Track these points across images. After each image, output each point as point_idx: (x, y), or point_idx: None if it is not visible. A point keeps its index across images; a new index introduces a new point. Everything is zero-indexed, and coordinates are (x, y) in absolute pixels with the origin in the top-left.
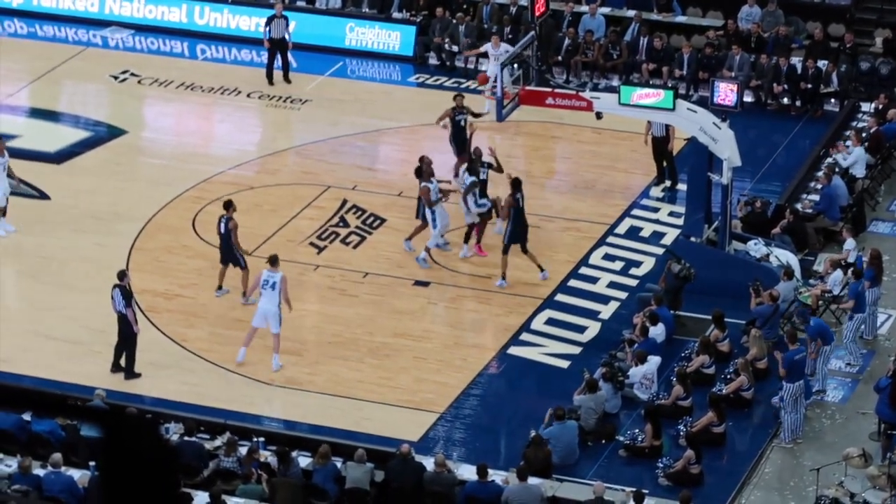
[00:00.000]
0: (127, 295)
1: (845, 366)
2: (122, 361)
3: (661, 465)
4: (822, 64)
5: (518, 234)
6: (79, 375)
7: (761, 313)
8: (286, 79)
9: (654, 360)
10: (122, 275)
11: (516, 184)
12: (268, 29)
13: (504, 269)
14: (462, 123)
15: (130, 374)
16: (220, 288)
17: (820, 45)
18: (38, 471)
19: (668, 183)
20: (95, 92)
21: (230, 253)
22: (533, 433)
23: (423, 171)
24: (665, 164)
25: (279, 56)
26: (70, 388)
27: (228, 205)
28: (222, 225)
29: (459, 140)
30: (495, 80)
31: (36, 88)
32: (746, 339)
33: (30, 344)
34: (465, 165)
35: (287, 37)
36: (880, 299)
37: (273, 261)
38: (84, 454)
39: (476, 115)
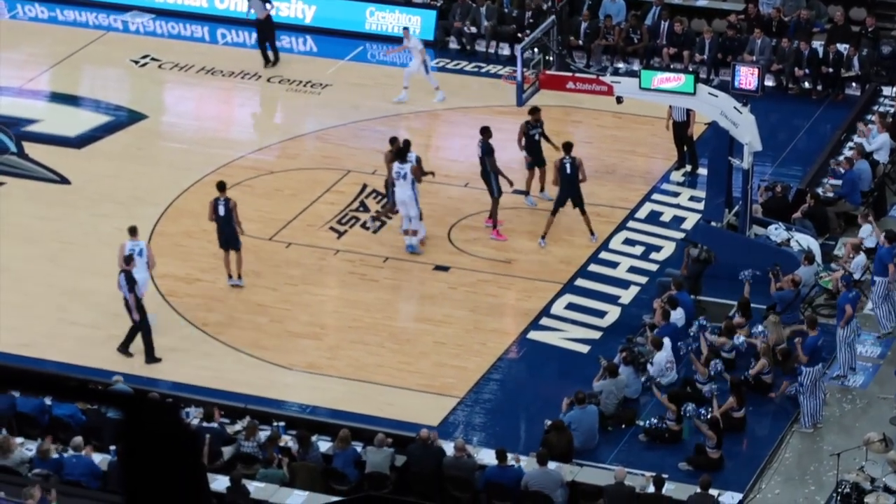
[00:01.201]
0: (131, 280)
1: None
2: (138, 347)
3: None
4: (843, 48)
5: (562, 197)
6: (99, 360)
7: (783, 298)
8: (275, 58)
9: (667, 343)
10: (129, 259)
11: (567, 147)
12: (249, 10)
13: (547, 228)
14: (536, 137)
15: (151, 358)
16: (231, 276)
17: (841, 28)
18: (58, 455)
19: (688, 167)
20: (116, 76)
21: (233, 235)
22: (548, 422)
23: (397, 151)
24: (686, 148)
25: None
26: (91, 372)
27: (223, 186)
28: (221, 207)
29: (533, 153)
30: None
31: (56, 73)
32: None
33: (51, 329)
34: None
35: (268, 15)
36: None
37: (133, 231)
38: (108, 437)
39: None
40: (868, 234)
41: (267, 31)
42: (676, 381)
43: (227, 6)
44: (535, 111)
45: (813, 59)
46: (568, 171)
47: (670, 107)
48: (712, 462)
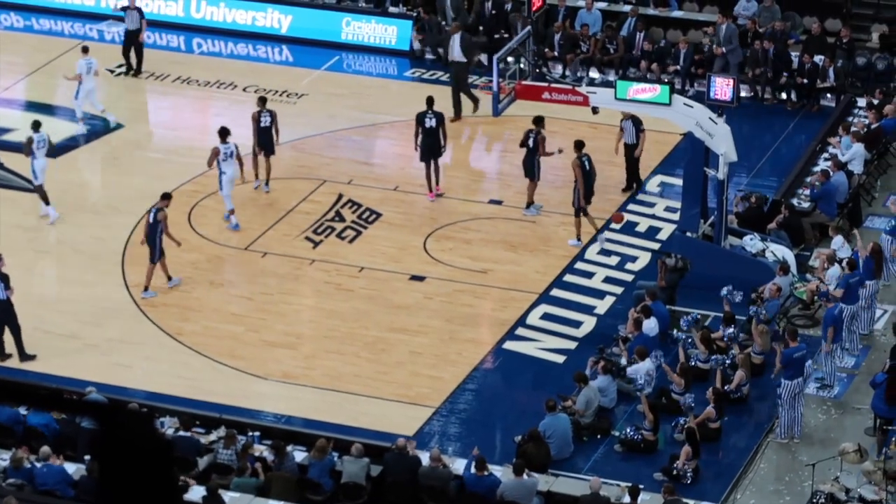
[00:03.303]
0: (6, 279)
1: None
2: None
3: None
4: (818, 59)
5: (589, 193)
6: (74, 369)
7: (772, 307)
8: (138, 71)
9: (652, 356)
10: None
11: (579, 145)
12: (117, 8)
13: (578, 229)
14: (530, 144)
15: (24, 356)
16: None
17: (817, 39)
18: (29, 465)
19: (634, 186)
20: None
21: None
22: (517, 439)
23: (220, 131)
24: (630, 169)
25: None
26: (65, 381)
27: (167, 196)
28: (151, 215)
29: (527, 163)
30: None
31: (32, 82)
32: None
33: (27, 338)
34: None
35: (141, 27)
36: (878, 293)
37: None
38: (82, 447)
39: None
40: (840, 245)
41: (135, 41)
42: (652, 392)
43: (203, 16)
44: (536, 119)
45: (787, 68)
46: (587, 167)
47: (621, 129)
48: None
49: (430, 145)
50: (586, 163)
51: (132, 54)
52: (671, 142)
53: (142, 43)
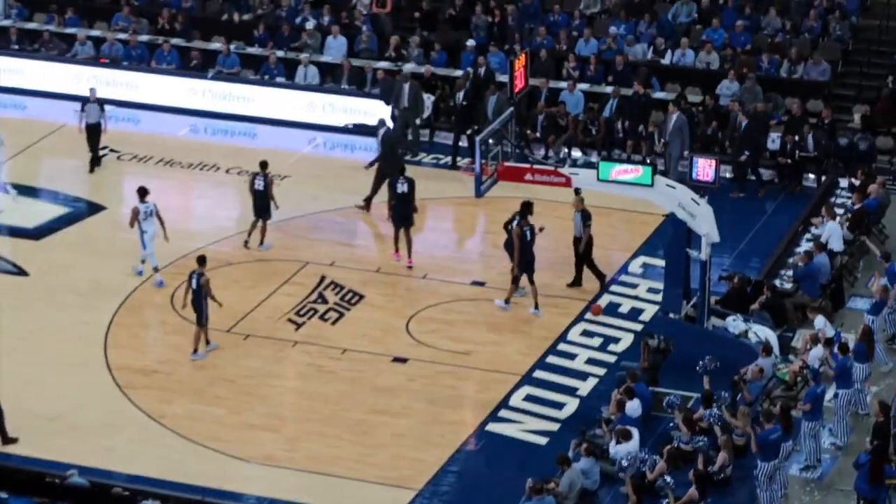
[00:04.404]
0: None
1: (830, 445)
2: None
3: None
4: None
5: (527, 262)
6: (56, 452)
7: (755, 389)
8: (95, 165)
9: (636, 437)
10: None
11: (524, 211)
12: (83, 114)
13: (510, 294)
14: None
15: (8, 440)
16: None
17: (798, 120)
18: None
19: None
20: (74, 168)
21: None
22: None
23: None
24: (580, 264)
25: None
26: (47, 465)
27: (203, 260)
28: (194, 280)
29: (507, 247)
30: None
31: (15, 164)
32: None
33: (11, 420)
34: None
35: (103, 122)
36: (870, 376)
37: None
38: None
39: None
40: (822, 325)
41: (96, 136)
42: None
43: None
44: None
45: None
46: (527, 237)
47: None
48: None
49: (403, 211)
50: (528, 233)
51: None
52: (653, 223)
53: (101, 135)
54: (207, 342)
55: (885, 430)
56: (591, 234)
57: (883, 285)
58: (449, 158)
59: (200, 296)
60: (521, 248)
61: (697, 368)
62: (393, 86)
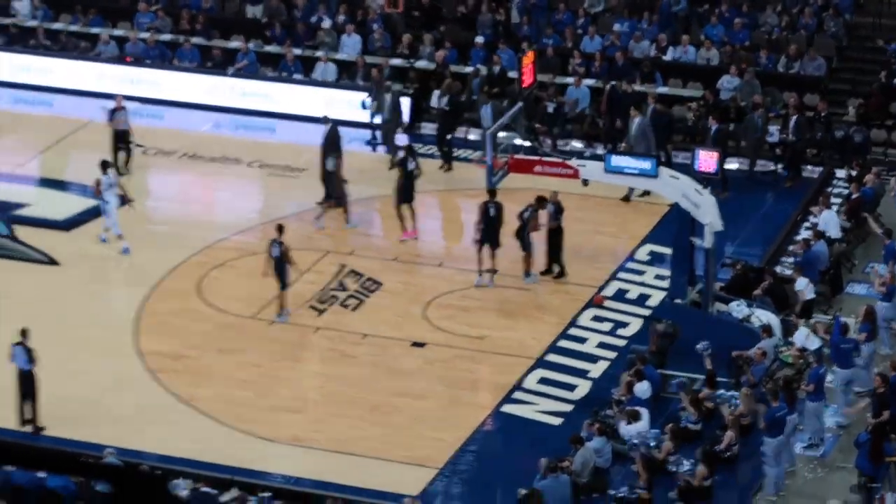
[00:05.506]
0: (29, 352)
1: (834, 424)
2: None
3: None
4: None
5: (487, 238)
6: (91, 434)
7: (758, 371)
8: (126, 168)
9: (646, 417)
10: (24, 333)
11: (491, 193)
12: (113, 121)
13: (479, 265)
14: (525, 217)
15: (37, 428)
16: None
17: (795, 114)
18: None
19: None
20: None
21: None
22: (522, 491)
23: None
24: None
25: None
26: (83, 446)
27: (281, 228)
28: (275, 248)
29: (519, 236)
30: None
31: (45, 159)
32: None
33: (48, 405)
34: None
35: (129, 128)
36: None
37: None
38: None
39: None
40: (804, 286)
41: (125, 142)
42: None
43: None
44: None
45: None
46: (490, 213)
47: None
48: None
49: (409, 187)
50: (491, 209)
51: (120, 153)
52: (660, 212)
53: (130, 138)
54: (283, 308)
55: (885, 400)
56: (562, 225)
57: (890, 273)
58: (467, 152)
59: (282, 262)
60: (480, 220)
61: (697, 348)
62: (381, 87)
